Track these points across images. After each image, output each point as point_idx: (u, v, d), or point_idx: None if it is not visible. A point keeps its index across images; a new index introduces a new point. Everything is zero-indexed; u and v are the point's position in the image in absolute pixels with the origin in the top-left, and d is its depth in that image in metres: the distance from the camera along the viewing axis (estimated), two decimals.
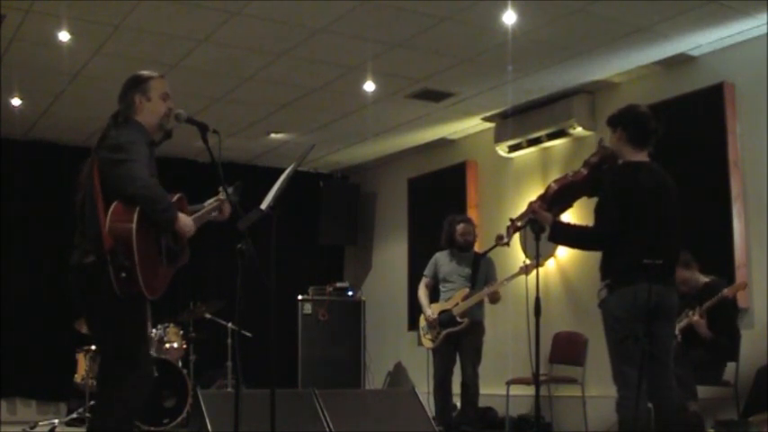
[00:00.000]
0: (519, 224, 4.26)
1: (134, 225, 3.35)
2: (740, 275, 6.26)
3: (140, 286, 3.35)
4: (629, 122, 4.07)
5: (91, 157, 3.60)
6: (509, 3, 5.88)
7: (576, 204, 4.32)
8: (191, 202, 3.82)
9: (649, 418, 3.90)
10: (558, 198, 4.16)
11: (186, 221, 3.60)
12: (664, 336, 3.97)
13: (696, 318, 5.66)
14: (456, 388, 6.69)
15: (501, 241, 4.57)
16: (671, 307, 4.00)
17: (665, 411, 3.92)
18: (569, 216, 4.40)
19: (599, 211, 4.01)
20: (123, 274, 3.33)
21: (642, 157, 4.06)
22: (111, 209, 3.39)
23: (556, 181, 4.21)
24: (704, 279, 5.92)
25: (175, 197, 3.68)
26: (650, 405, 3.94)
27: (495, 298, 6.69)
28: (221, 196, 3.86)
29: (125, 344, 3.53)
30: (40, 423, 7.61)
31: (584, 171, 4.12)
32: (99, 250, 3.39)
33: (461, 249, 6.84)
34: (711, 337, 5.69)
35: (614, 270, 3.94)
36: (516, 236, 4.78)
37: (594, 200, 4.11)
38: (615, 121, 4.11)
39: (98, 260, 3.39)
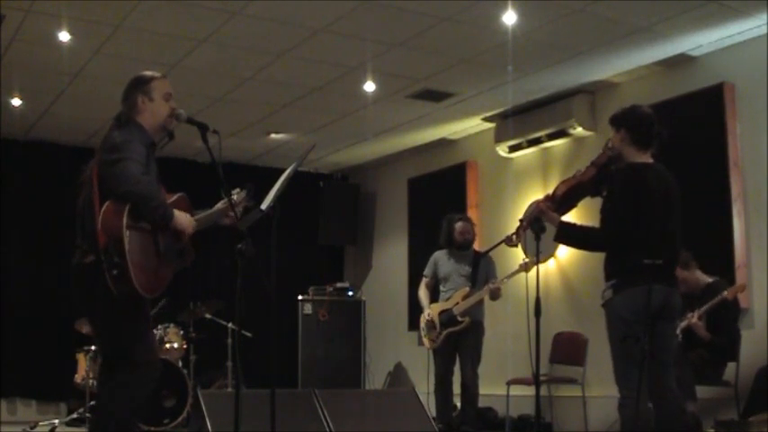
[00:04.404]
0: (526, 224, 4.24)
1: (124, 222, 3.35)
2: (740, 275, 6.26)
3: (133, 284, 3.35)
4: (633, 124, 4.05)
5: (93, 159, 3.61)
6: (509, 3, 5.88)
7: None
8: (191, 201, 3.82)
9: (650, 418, 3.89)
10: (565, 199, 4.16)
11: (183, 218, 3.59)
12: (666, 336, 3.96)
13: (695, 320, 5.67)
14: (456, 388, 6.69)
15: (510, 242, 4.57)
16: (674, 307, 4.00)
17: (666, 412, 3.92)
18: (569, 216, 4.39)
19: (607, 213, 4.00)
20: (115, 272, 3.33)
21: (647, 158, 4.06)
22: (103, 207, 3.40)
23: (564, 182, 4.19)
24: (707, 279, 5.92)
25: (175, 197, 3.68)
26: (650, 405, 3.94)
27: (495, 294, 6.65)
28: (232, 198, 3.83)
29: (123, 344, 3.54)
30: (40, 423, 7.62)
31: (593, 171, 4.11)
32: (96, 250, 3.39)
33: (460, 248, 6.83)
34: (710, 338, 5.71)
35: (621, 271, 3.93)
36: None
37: (597, 200, 4.11)
38: (619, 122, 4.10)
39: (96, 260, 3.40)
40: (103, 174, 3.48)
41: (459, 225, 6.84)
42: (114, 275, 3.33)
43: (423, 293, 6.94)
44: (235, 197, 3.84)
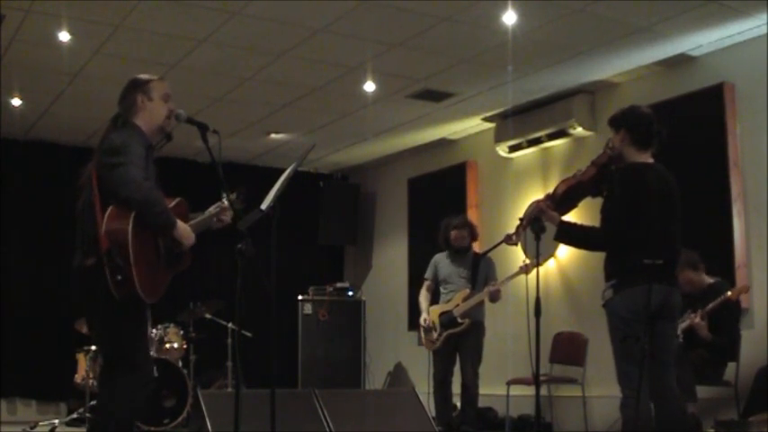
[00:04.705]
0: (525, 223, 4.24)
1: (129, 227, 3.34)
2: (740, 275, 6.26)
3: (137, 289, 3.34)
4: (633, 124, 4.05)
5: (92, 160, 3.60)
6: (509, 3, 5.88)
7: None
8: (191, 202, 3.82)
9: (651, 417, 3.89)
10: (565, 198, 4.16)
11: (186, 230, 3.58)
12: (666, 336, 3.96)
13: (697, 320, 5.67)
14: (456, 388, 6.69)
15: (510, 240, 4.57)
16: (674, 307, 4.00)
17: (666, 412, 3.92)
18: (569, 216, 4.39)
19: (607, 212, 4.00)
20: (119, 277, 3.32)
21: (647, 158, 4.06)
22: (107, 211, 3.39)
23: (564, 181, 4.19)
24: (709, 280, 5.92)
25: (174, 202, 3.67)
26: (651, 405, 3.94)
27: (495, 297, 6.64)
28: (224, 202, 3.84)
29: (124, 346, 3.53)
30: (40, 423, 7.61)
31: (593, 170, 4.11)
32: (97, 253, 3.39)
33: (458, 252, 6.83)
34: (711, 339, 5.70)
35: (620, 271, 3.93)
36: None
37: (598, 200, 4.10)
38: (618, 123, 4.10)
39: (98, 262, 3.39)
40: (103, 176, 3.46)
41: (453, 233, 6.80)
42: (118, 281, 3.32)
43: (423, 297, 6.93)
44: (225, 202, 3.83)
